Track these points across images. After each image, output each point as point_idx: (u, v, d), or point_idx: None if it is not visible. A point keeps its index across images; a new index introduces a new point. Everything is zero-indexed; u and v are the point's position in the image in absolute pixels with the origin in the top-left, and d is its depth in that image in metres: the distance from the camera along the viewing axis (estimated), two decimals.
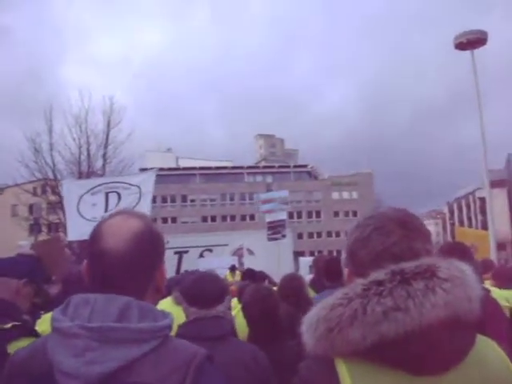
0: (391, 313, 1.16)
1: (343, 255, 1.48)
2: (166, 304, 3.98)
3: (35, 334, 2.39)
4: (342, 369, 1.20)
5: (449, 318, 1.18)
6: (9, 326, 2.34)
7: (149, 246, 1.36)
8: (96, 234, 1.36)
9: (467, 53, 14.25)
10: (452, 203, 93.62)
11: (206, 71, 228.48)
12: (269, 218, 16.95)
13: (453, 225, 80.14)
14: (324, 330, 1.22)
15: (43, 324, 2.84)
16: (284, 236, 16.45)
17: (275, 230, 16.53)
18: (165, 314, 1.33)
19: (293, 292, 4.23)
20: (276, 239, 16.18)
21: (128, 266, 1.30)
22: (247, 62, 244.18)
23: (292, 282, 4.49)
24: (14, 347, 2.19)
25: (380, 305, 1.17)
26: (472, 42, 13.94)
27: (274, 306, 3.32)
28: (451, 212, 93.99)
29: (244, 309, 3.37)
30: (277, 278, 7.47)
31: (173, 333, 1.41)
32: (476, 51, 14.16)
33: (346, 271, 1.43)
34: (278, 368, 2.61)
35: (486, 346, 1.30)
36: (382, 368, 1.19)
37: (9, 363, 1.34)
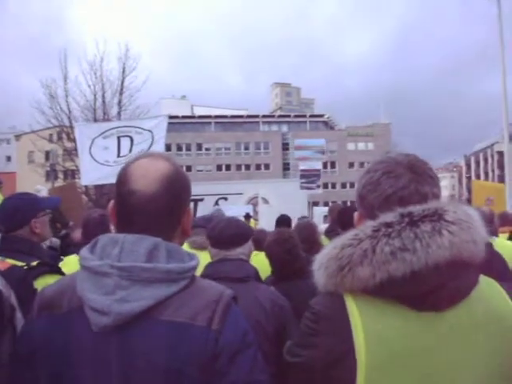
0: (399, 253, 1.23)
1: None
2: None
3: (58, 271, 2.51)
4: (351, 303, 1.27)
5: (453, 258, 1.24)
6: (34, 263, 2.49)
7: (176, 187, 1.36)
8: (123, 175, 1.36)
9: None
10: (469, 156, 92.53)
11: (226, 17, 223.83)
12: (303, 166, 16.57)
13: (469, 178, 79.44)
14: (335, 268, 1.29)
15: (66, 266, 2.93)
16: (318, 187, 16.16)
17: (309, 179, 16.20)
18: (191, 256, 1.36)
19: (307, 239, 4.29)
20: (310, 189, 15.87)
21: (156, 207, 1.32)
22: (267, 10, 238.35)
23: (306, 230, 4.57)
24: (39, 283, 2.33)
25: (389, 245, 1.24)
26: None
27: (296, 245, 3.48)
28: (468, 165, 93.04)
29: (268, 249, 3.50)
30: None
31: (198, 273, 1.44)
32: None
33: (356, 215, 1.48)
34: (304, 304, 2.68)
35: (489, 285, 1.36)
36: (388, 303, 1.26)
37: (39, 297, 1.37)
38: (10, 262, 2.51)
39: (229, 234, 2.78)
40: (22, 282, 2.36)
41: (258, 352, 1.31)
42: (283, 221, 6.91)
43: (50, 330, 1.28)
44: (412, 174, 1.35)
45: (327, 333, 1.28)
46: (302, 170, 16.41)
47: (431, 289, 1.24)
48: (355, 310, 1.25)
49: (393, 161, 1.40)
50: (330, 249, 1.34)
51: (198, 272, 1.71)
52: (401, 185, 1.34)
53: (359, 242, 1.28)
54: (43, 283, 2.32)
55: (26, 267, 2.46)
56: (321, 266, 1.34)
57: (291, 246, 3.43)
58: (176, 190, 1.36)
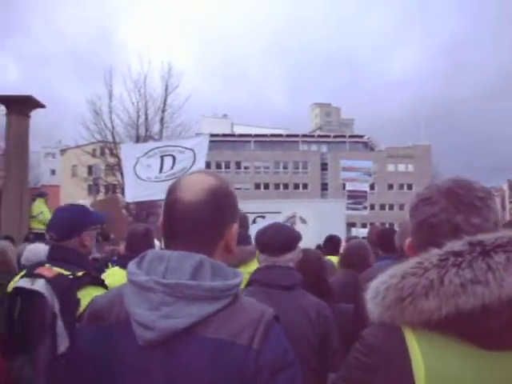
0: (470, 285, 1.13)
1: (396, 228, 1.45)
2: None
3: (102, 283, 2.57)
4: (411, 338, 1.18)
5: None
6: (80, 274, 2.55)
7: (220, 202, 1.38)
8: (172, 187, 1.41)
9: None
10: None
11: (270, 38, 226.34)
12: (350, 187, 16.49)
13: None
14: (394, 299, 1.20)
15: (109, 278, 3.00)
16: (365, 208, 15.98)
17: (356, 199, 16.10)
18: (235, 273, 1.37)
19: (358, 260, 4.21)
20: (356, 209, 15.73)
21: (195, 216, 1.34)
22: (310, 29, 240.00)
23: (363, 251, 4.44)
24: (83, 294, 2.39)
25: (459, 276, 1.14)
26: None
27: (322, 267, 3.40)
28: (511, 189, 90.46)
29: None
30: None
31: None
32: None
33: (407, 241, 1.41)
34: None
35: None
36: (451, 340, 1.16)
37: (90, 308, 1.42)
38: (57, 270, 2.57)
39: (278, 240, 2.77)
40: (67, 291, 2.43)
41: (299, 372, 1.30)
42: (332, 241, 6.62)
43: (97, 340, 1.31)
44: (447, 202, 1.28)
45: (382, 369, 1.18)
46: (349, 191, 16.30)
47: (502, 326, 1.13)
48: (415, 346, 1.16)
49: (435, 187, 1.35)
50: (387, 277, 1.25)
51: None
52: (431, 212, 1.29)
53: (424, 271, 1.18)
54: (86, 294, 2.38)
55: (71, 276, 2.52)
56: (377, 296, 1.25)
57: (316, 268, 3.35)
58: (220, 202, 1.38)
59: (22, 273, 2.77)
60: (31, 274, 2.56)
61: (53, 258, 2.72)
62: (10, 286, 2.84)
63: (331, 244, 6.38)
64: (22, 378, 2.36)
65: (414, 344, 1.17)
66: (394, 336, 1.20)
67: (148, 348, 1.24)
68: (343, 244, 6.70)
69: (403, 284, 1.20)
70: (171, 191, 1.40)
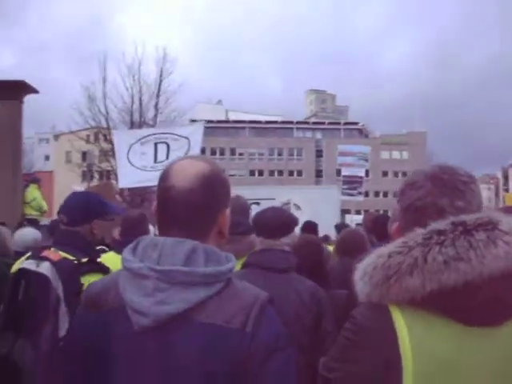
0: (452, 262, 1.18)
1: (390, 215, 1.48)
2: None
3: (107, 271, 2.57)
4: (398, 316, 1.22)
5: (509, 270, 1.19)
6: (84, 260, 2.58)
7: (213, 187, 1.39)
8: (164, 173, 1.41)
9: None
10: (507, 168, 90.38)
11: (266, 24, 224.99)
12: (345, 172, 16.44)
13: (506, 191, 77.60)
14: (381, 278, 1.25)
15: (104, 263, 2.99)
16: (360, 193, 15.93)
17: (351, 185, 16.06)
18: (228, 257, 1.38)
19: (356, 247, 4.19)
20: (351, 195, 15.69)
21: (191, 202, 1.35)
22: (307, 17, 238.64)
23: (355, 237, 4.42)
24: (86, 280, 2.41)
25: (441, 254, 1.19)
26: None
27: (320, 253, 3.42)
28: (505, 177, 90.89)
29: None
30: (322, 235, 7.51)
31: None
32: None
33: (393, 226, 1.45)
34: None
35: None
36: (436, 317, 1.20)
37: (85, 294, 1.44)
38: (63, 254, 2.59)
39: (275, 223, 2.79)
40: (70, 275, 2.45)
41: (292, 356, 1.31)
42: (309, 227, 6.78)
43: (93, 325, 1.32)
44: (432, 185, 1.33)
45: (371, 346, 1.22)
46: (345, 176, 16.26)
47: (484, 301, 1.19)
48: (402, 322, 1.20)
49: (421, 172, 1.39)
50: (374, 258, 1.29)
51: None
52: (417, 196, 1.34)
53: (409, 249, 1.23)
54: (89, 280, 2.38)
55: (75, 262, 2.54)
56: (364, 275, 1.29)
57: (316, 253, 3.39)
58: (212, 187, 1.38)
59: (27, 254, 2.78)
60: (36, 257, 2.57)
61: (59, 243, 2.74)
62: (14, 268, 2.84)
63: (309, 231, 6.38)
64: (23, 361, 2.36)
65: (400, 321, 1.21)
66: (381, 314, 1.24)
67: (143, 333, 1.25)
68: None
69: (389, 263, 1.24)
70: (163, 177, 1.40)
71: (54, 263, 2.48)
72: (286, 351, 1.29)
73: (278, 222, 2.80)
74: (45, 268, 2.46)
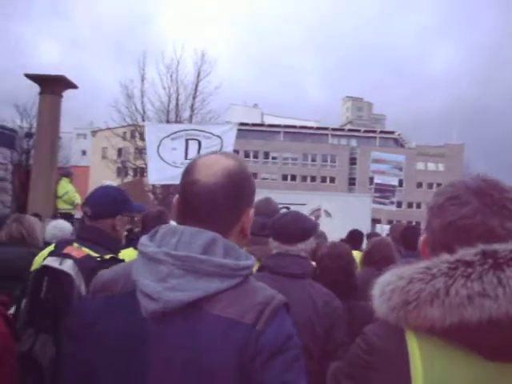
0: (477, 298, 1.09)
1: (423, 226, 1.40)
2: None
3: None
4: (413, 342, 1.15)
5: None
6: (108, 257, 2.55)
7: (238, 185, 1.37)
8: (190, 167, 1.39)
9: None
10: None
11: (310, 30, 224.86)
12: (378, 180, 16.16)
13: None
14: (399, 302, 1.17)
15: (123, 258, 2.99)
16: (392, 203, 15.61)
17: (383, 193, 15.77)
18: (248, 256, 1.36)
19: (382, 258, 4.12)
20: (383, 204, 15.41)
21: (214, 198, 1.33)
22: (352, 23, 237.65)
23: (386, 248, 4.34)
24: None
25: (466, 288, 1.10)
26: None
27: (352, 261, 3.33)
28: None
29: (320, 262, 3.36)
30: None
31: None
32: None
33: (421, 238, 1.36)
34: (349, 326, 2.64)
35: None
36: (455, 348, 1.12)
37: (95, 280, 1.43)
38: (85, 250, 2.58)
39: (293, 229, 2.75)
40: (94, 273, 2.43)
41: (299, 357, 1.27)
42: (355, 236, 6.61)
43: (101, 311, 1.32)
44: (479, 203, 1.19)
45: (381, 368, 1.17)
46: (377, 184, 15.97)
47: (509, 340, 1.09)
48: (416, 349, 1.14)
49: (463, 185, 1.26)
50: (395, 278, 1.21)
51: None
52: (462, 213, 1.20)
53: (432, 278, 1.14)
54: None
55: (98, 259, 2.52)
56: (382, 295, 1.22)
57: (346, 262, 3.28)
58: (237, 185, 1.36)
59: (50, 248, 2.78)
60: (60, 254, 2.56)
61: (82, 238, 2.73)
62: (37, 262, 2.86)
63: (353, 238, 6.31)
64: (44, 358, 2.37)
65: (414, 348, 1.14)
66: (395, 338, 1.18)
67: (151, 320, 1.23)
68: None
69: (409, 288, 1.16)
70: (188, 171, 1.38)
71: (77, 261, 2.48)
72: (292, 351, 1.26)
73: (297, 227, 2.76)
74: (68, 266, 2.46)
